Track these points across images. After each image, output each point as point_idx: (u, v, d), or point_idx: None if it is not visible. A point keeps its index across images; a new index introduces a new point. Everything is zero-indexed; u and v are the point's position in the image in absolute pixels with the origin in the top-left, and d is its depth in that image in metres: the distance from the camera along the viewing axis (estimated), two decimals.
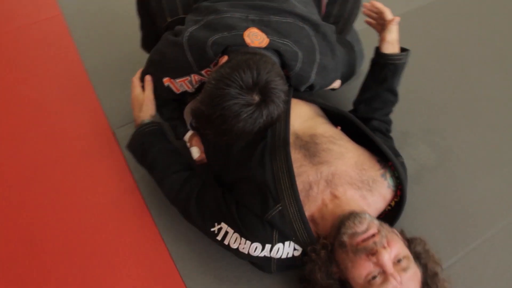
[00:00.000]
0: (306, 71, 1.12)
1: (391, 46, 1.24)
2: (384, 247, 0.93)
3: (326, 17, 1.36)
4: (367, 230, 0.96)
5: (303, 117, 1.17)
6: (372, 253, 0.92)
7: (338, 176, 1.06)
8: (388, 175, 1.12)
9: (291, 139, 1.09)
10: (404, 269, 0.92)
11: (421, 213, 1.26)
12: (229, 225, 1.06)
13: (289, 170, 1.03)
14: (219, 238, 1.07)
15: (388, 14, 1.25)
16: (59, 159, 1.41)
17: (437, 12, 1.98)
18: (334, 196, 1.05)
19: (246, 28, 1.05)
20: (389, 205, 1.13)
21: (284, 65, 1.09)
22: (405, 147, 1.42)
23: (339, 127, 1.20)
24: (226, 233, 1.06)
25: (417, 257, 0.98)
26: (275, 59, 1.06)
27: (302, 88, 1.18)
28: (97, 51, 1.77)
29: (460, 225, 1.24)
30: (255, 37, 1.05)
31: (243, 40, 1.04)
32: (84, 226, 1.25)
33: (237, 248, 1.06)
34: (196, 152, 1.27)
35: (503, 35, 1.87)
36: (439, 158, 1.41)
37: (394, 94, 1.29)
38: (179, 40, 1.07)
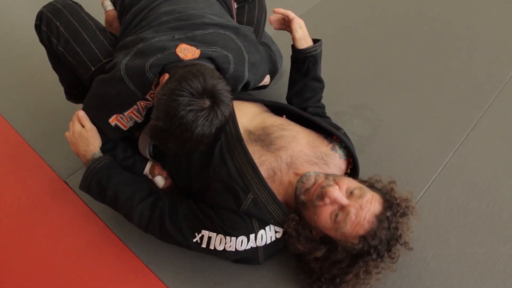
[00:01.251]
0: (239, 70, 1.22)
1: (304, 41, 1.37)
2: (331, 185, 1.03)
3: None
4: (315, 182, 1.06)
5: (250, 114, 1.26)
6: (324, 194, 1.02)
7: (296, 157, 1.16)
8: (337, 147, 1.24)
9: (245, 135, 1.17)
10: (360, 196, 1.01)
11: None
12: (210, 230, 1.10)
13: (250, 161, 1.12)
14: (204, 245, 1.11)
15: (290, 15, 1.37)
16: (19, 220, 1.36)
17: (335, 5, 2.23)
18: (297, 175, 1.14)
19: (176, 45, 1.13)
20: (346, 173, 1.25)
21: (219, 69, 1.18)
22: (341, 125, 1.55)
23: (284, 116, 1.31)
24: (209, 238, 1.10)
25: (371, 186, 1.10)
26: (210, 65, 1.15)
27: (239, 87, 1.28)
28: (19, 110, 1.73)
29: (405, 178, 1.40)
30: (187, 51, 1.13)
31: (177, 56, 1.11)
32: (66, 272, 1.22)
33: (224, 249, 1.10)
34: (161, 181, 1.29)
35: (395, 12, 2.15)
36: (372, 127, 1.58)
37: (319, 81, 1.44)
38: (116, 74, 1.11)
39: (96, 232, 1.31)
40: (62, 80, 1.50)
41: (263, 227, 1.10)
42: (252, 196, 1.09)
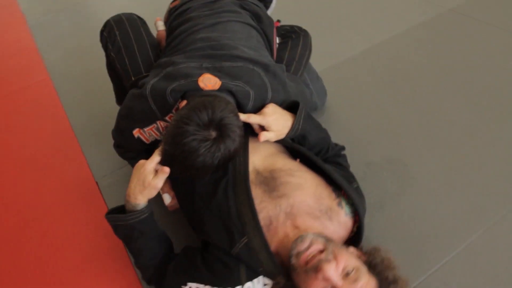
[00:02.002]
0: (259, 108, 1.22)
1: (280, 134, 1.23)
2: (329, 261, 0.97)
3: (278, 61, 1.50)
4: (309, 246, 1.01)
5: (263, 153, 1.25)
6: (318, 269, 0.97)
7: (296, 207, 1.12)
8: (343, 203, 1.18)
9: (252, 175, 1.17)
10: (355, 280, 0.96)
11: (384, 239, 1.31)
12: (197, 281, 1.09)
13: (250, 204, 1.11)
14: None
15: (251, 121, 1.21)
16: (45, 210, 1.51)
17: (386, 50, 2.11)
18: (295, 227, 1.10)
19: (200, 74, 1.16)
20: (352, 231, 1.19)
21: (238, 104, 1.19)
22: (369, 176, 1.50)
23: (298, 160, 1.28)
24: None
25: (372, 267, 1.03)
26: (230, 99, 1.16)
27: None
28: (82, 109, 1.92)
29: (423, 248, 1.29)
30: (209, 81, 1.16)
31: (197, 85, 1.15)
32: (71, 268, 1.33)
33: None
34: (168, 198, 1.35)
35: (446, 63, 1.98)
36: (401, 184, 1.48)
37: (320, 136, 1.34)
38: (143, 92, 1.19)
39: (105, 241, 1.40)
40: (114, 86, 1.64)
41: (250, 278, 1.09)
42: (246, 240, 1.09)
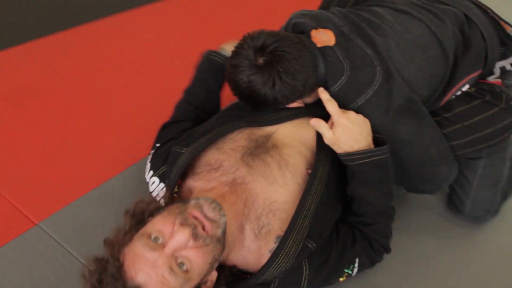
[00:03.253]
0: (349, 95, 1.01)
1: (337, 146, 0.98)
2: (190, 229, 0.77)
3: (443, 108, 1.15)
4: (208, 218, 0.82)
5: (295, 132, 1.05)
6: (180, 223, 0.79)
7: (245, 188, 0.94)
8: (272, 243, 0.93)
9: (262, 133, 1.02)
10: (172, 270, 0.75)
11: None
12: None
13: (217, 134, 1.01)
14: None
15: (329, 109, 1.00)
16: None
17: None
18: (222, 197, 0.90)
19: (325, 28, 1.05)
20: (249, 273, 0.94)
21: (323, 79, 1.02)
22: None
23: (309, 171, 1.00)
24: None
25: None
26: (320, 66, 1.01)
27: None
28: None
29: None
30: (323, 36, 1.03)
31: (310, 30, 1.05)
32: None
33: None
34: None
35: None
36: None
37: (371, 201, 1.00)
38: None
39: None
40: None
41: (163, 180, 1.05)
42: (184, 151, 1.03)
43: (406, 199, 1.31)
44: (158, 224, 0.81)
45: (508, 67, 1.21)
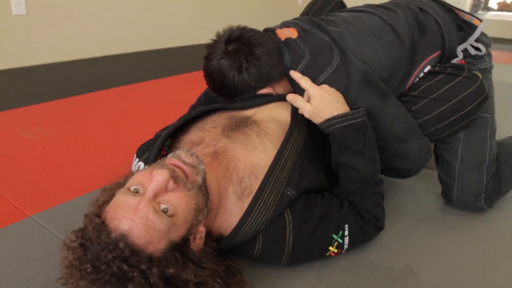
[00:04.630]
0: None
1: (318, 117, 1.01)
2: (168, 170, 0.77)
3: (410, 88, 1.21)
4: (185, 164, 0.82)
5: (273, 115, 1.08)
6: (159, 168, 0.78)
7: (227, 155, 0.95)
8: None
9: (241, 115, 1.06)
10: (156, 210, 0.73)
11: None
12: None
13: (192, 114, 1.08)
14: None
15: (303, 84, 1.06)
16: None
17: None
18: (205, 165, 0.87)
19: (288, 26, 1.16)
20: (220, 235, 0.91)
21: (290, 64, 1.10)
22: None
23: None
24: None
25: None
26: (287, 56, 1.10)
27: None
28: None
29: None
30: (286, 32, 1.14)
31: (275, 29, 1.16)
32: None
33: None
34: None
35: None
36: None
37: (352, 170, 1.01)
38: None
39: None
40: None
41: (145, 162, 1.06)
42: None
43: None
44: (138, 177, 0.81)
45: (472, 51, 1.24)
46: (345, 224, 0.98)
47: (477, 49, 1.24)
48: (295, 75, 1.08)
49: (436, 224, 1.23)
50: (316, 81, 1.06)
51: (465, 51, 1.24)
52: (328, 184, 1.08)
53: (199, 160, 0.85)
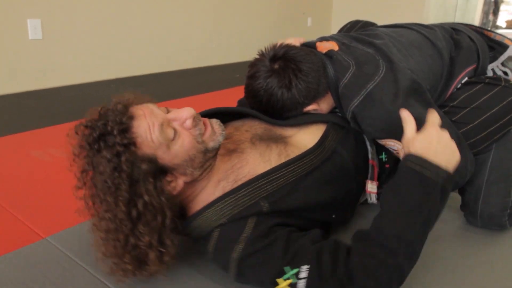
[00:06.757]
0: (350, 93, 1.05)
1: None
2: (194, 113, 0.91)
3: (449, 99, 1.19)
4: (210, 125, 0.93)
5: (309, 141, 1.05)
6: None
7: (239, 156, 1.00)
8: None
9: (279, 132, 1.08)
10: (162, 125, 0.86)
11: None
12: None
13: (234, 108, 1.16)
14: None
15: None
16: None
17: None
18: (219, 155, 0.98)
19: (328, 40, 1.18)
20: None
21: (334, 76, 1.10)
22: None
23: None
24: None
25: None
26: (330, 68, 1.10)
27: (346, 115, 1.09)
28: None
29: None
30: (325, 44, 1.15)
31: (315, 43, 1.18)
32: None
33: None
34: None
35: None
36: None
37: (388, 219, 0.85)
38: None
39: None
40: None
41: None
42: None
43: None
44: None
45: (498, 71, 1.25)
46: (305, 264, 0.81)
47: (505, 73, 1.24)
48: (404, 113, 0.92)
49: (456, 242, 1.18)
50: (364, 89, 1.04)
51: (493, 70, 1.25)
52: (321, 216, 1.02)
53: (222, 132, 0.93)
